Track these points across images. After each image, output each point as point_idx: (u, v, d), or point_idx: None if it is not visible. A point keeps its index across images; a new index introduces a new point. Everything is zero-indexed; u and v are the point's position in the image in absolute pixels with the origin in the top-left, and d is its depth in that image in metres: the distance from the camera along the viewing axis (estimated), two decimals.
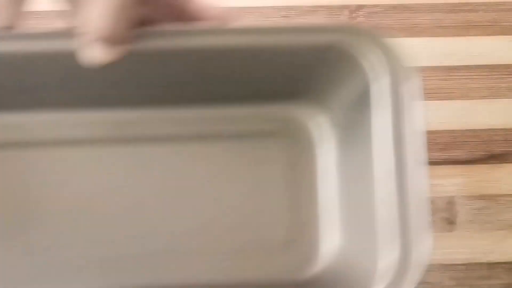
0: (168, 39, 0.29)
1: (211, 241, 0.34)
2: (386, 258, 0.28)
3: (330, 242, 0.34)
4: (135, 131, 0.34)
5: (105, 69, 0.28)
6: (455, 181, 0.44)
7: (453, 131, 0.45)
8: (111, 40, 0.28)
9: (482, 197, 0.44)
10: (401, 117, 0.28)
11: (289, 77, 0.32)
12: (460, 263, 0.44)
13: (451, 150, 0.45)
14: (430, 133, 0.45)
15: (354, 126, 0.32)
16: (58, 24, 0.29)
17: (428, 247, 0.28)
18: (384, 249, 0.28)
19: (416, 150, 0.28)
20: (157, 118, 0.34)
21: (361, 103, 0.30)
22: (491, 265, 0.44)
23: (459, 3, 0.47)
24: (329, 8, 0.46)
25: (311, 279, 0.34)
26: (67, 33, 0.28)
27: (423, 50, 0.46)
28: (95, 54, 0.28)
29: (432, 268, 0.44)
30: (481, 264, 0.44)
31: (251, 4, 0.46)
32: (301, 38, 0.29)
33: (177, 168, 0.34)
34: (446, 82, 0.45)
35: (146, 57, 0.29)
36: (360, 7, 0.46)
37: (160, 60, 0.30)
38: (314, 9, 0.46)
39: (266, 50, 0.29)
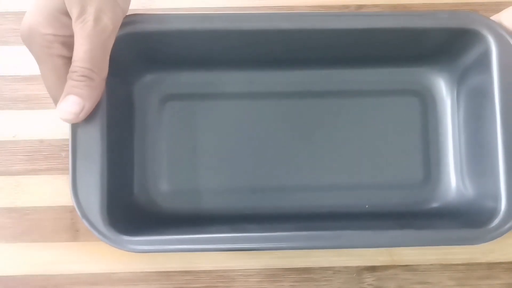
0: (325, 21, 0.38)
1: (356, 176, 0.44)
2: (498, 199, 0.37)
3: (454, 182, 0.43)
4: (289, 88, 0.44)
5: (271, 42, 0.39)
6: None
7: None
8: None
9: None
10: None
11: (423, 48, 0.42)
12: (460, 263, 0.44)
13: None
14: None
15: (474, 85, 0.41)
16: None
17: None
18: (498, 191, 0.37)
19: None
20: (306, 78, 0.44)
21: (480, 66, 0.39)
22: (491, 265, 0.44)
23: (458, 3, 0.47)
24: (329, 8, 0.46)
25: (435, 210, 0.43)
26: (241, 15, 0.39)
27: None
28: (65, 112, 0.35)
29: (432, 268, 0.44)
30: (481, 264, 0.44)
31: (251, 4, 0.46)
32: (441, 22, 0.39)
33: (323, 118, 0.44)
34: None
35: (311, 33, 0.39)
36: (360, 7, 0.46)
37: (321, 38, 0.40)
38: (314, 9, 0.46)
39: (411, 30, 0.39)
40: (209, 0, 0.46)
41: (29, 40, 0.35)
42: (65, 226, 0.43)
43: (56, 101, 0.36)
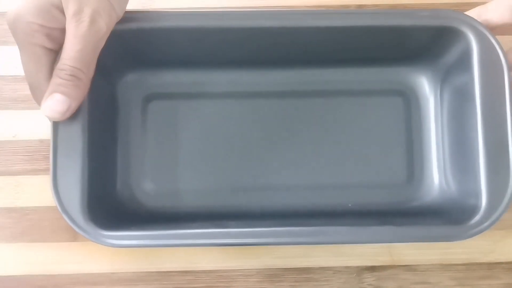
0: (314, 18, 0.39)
1: (339, 175, 0.44)
2: (479, 195, 0.37)
3: (437, 181, 0.43)
4: (272, 88, 0.44)
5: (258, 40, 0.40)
6: None
7: None
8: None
9: None
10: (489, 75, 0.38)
11: (405, 47, 0.42)
12: (460, 263, 0.44)
13: None
14: None
15: (457, 83, 0.41)
16: None
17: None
18: (479, 188, 0.37)
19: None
20: (289, 78, 0.44)
21: (462, 64, 0.39)
22: (491, 265, 0.44)
23: (458, 3, 0.47)
24: (329, 8, 0.46)
25: (418, 209, 0.43)
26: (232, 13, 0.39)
27: None
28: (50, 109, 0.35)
29: (432, 268, 0.44)
30: (481, 264, 0.44)
31: (251, 4, 0.46)
32: (422, 21, 0.39)
33: (307, 118, 0.44)
34: None
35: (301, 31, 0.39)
36: (360, 7, 0.46)
37: (307, 35, 0.40)
38: (314, 9, 0.46)
39: (393, 29, 0.39)
40: (209, 0, 0.46)
41: (14, 25, 0.35)
42: (65, 226, 0.43)
43: (32, 88, 0.37)
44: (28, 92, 0.45)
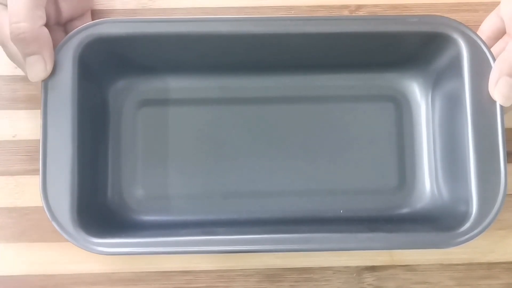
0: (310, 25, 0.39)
1: (330, 181, 0.44)
2: (469, 202, 0.37)
3: (428, 187, 0.43)
4: (263, 94, 0.44)
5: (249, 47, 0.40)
6: None
7: None
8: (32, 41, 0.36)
9: None
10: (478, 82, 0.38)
11: (396, 52, 0.42)
12: (460, 263, 0.44)
13: None
14: None
15: (448, 89, 0.41)
16: None
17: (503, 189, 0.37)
18: (469, 195, 0.37)
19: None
20: (279, 84, 0.44)
21: (452, 70, 0.39)
22: (491, 265, 0.44)
23: (459, 3, 0.46)
24: (329, 8, 0.46)
25: (409, 215, 0.43)
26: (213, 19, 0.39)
27: None
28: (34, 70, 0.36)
29: (432, 268, 0.44)
30: (481, 264, 0.44)
31: (250, 4, 0.46)
32: (412, 27, 0.39)
33: (297, 124, 0.44)
34: None
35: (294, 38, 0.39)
36: (360, 7, 0.46)
37: (300, 42, 0.40)
38: (314, 9, 0.46)
39: (383, 35, 0.39)
40: (209, 0, 0.47)
41: None
42: None
43: (3, 46, 0.39)
44: (28, 92, 0.45)
